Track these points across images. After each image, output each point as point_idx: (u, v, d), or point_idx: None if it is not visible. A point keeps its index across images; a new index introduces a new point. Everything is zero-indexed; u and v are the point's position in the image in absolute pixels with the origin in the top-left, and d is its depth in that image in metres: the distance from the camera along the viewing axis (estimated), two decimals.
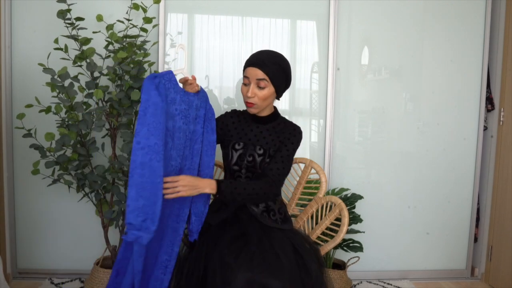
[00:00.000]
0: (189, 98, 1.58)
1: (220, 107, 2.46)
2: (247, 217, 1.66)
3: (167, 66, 2.39)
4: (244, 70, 1.66)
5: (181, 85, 1.59)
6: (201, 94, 1.65)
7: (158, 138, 1.35)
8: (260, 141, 1.71)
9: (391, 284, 2.51)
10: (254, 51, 1.71)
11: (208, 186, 1.53)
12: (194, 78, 1.61)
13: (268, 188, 1.61)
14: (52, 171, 2.05)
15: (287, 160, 1.66)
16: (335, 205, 1.85)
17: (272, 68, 1.62)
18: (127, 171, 2.12)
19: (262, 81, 1.61)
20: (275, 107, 1.78)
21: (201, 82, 2.43)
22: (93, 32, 2.12)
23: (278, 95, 1.70)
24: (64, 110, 1.99)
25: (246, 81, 1.64)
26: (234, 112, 1.81)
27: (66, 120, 1.99)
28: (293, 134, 1.70)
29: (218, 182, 1.55)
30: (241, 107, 2.28)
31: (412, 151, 2.57)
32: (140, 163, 1.32)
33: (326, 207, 1.89)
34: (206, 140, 1.64)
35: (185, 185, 1.47)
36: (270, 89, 1.64)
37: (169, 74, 1.50)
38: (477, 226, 2.64)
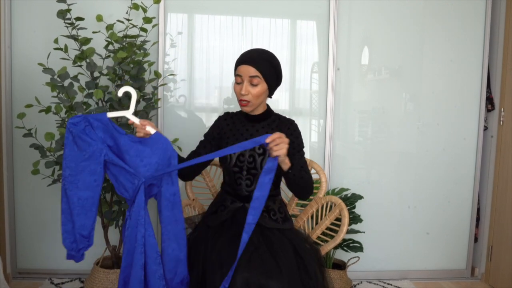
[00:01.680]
0: (126, 141, 1.50)
1: (220, 107, 2.46)
2: (245, 219, 1.65)
3: (166, 66, 2.39)
4: (236, 69, 1.64)
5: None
6: (154, 141, 1.51)
7: (72, 169, 1.47)
8: None
9: (391, 284, 2.50)
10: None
11: (288, 162, 1.48)
12: (142, 124, 1.51)
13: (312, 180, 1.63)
14: (52, 171, 2.05)
15: (303, 154, 1.68)
16: (335, 205, 1.85)
17: (264, 65, 1.61)
18: None
19: (255, 78, 1.60)
20: (267, 105, 1.77)
21: (197, 85, 2.43)
22: (93, 32, 2.12)
23: (270, 93, 1.69)
24: (64, 110, 1.99)
25: (238, 80, 1.63)
26: (228, 114, 1.80)
27: (66, 120, 1.99)
28: (293, 128, 1.70)
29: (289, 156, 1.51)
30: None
31: (412, 151, 2.57)
32: (64, 190, 1.48)
33: (326, 207, 1.89)
34: (165, 193, 1.50)
35: (287, 145, 1.40)
36: (263, 86, 1.63)
37: (102, 115, 1.49)
38: (477, 226, 2.64)
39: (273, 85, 1.68)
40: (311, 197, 1.99)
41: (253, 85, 1.61)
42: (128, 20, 2.11)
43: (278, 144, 1.39)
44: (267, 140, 1.38)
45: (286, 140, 1.41)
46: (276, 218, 1.70)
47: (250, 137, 1.71)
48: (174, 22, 2.40)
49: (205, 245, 1.56)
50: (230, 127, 1.74)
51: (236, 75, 1.64)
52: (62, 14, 1.95)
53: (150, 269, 1.46)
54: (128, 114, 1.52)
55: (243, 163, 1.68)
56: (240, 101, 1.65)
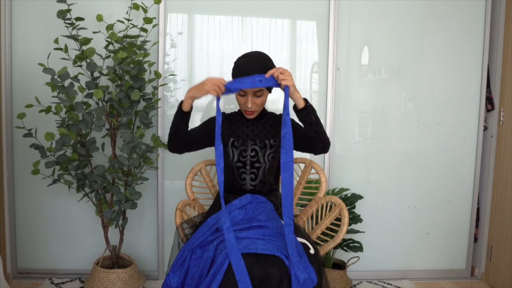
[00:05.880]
0: None
1: (221, 106, 2.46)
2: None
3: (167, 66, 2.39)
4: None
5: None
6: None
7: None
8: (258, 135, 1.76)
9: (391, 284, 2.51)
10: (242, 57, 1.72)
11: (300, 96, 1.60)
12: None
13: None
14: (52, 171, 2.05)
15: None
16: (335, 205, 1.85)
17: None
18: (127, 171, 2.12)
19: (259, 91, 1.66)
20: None
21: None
22: (93, 32, 2.12)
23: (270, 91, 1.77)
24: (64, 110, 1.99)
25: (241, 93, 1.66)
26: (223, 114, 1.83)
27: (66, 120, 1.99)
28: None
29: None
30: None
31: (412, 151, 2.57)
32: None
33: (326, 207, 1.89)
34: None
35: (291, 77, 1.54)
36: (266, 94, 1.71)
37: None
38: (477, 226, 2.64)
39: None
40: (311, 197, 1.99)
41: (257, 96, 1.67)
42: (128, 20, 2.11)
43: (283, 73, 1.51)
44: (270, 73, 1.52)
45: (288, 71, 1.52)
46: (280, 212, 1.73)
47: (252, 133, 1.75)
48: (174, 22, 2.40)
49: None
50: (227, 127, 1.78)
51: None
52: (62, 14, 1.95)
53: None
54: None
55: (246, 158, 1.72)
56: (245, 111, 1.71)
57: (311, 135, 1.64)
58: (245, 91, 1.65)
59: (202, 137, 1.76)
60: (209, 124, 1.77)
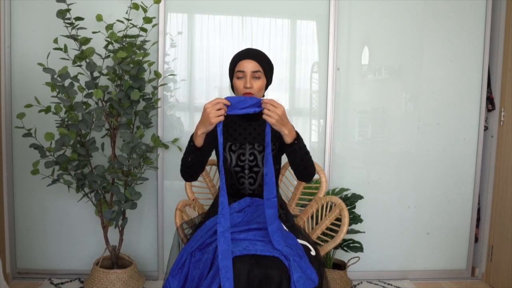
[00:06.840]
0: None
1: None
2: None
3: (166, 66, 2.39)
4: (236, 65, 1.67)
5: None
6: None
7: None
8: (256, 138, 1.72)
9: (391, 284, 2.50)
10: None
11: (291, 130, 1.55)
12: None
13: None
14: (52, 171, 2.05)
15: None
16: (335, 205, 1.85)
17: (263, 60, 1.68)
18: (127, 171, 2.12)
19: (257, 72, 1.65)
20: None
21: (197, 85, 2.43)
22: (93, 32, 2.12)
23: (264, 91, 1.74)
24: (63, 110, 1.99)
25: (240, 75, 1.66)
26: None
27: (66, 120, 1.99)
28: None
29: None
30: None
31: (412, 151, 2.57)
32: None
33: (326, 207, 1.89)
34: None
35: (280, 115, 1.49)
36: (263, 81, 1.68)
37: None
38: (477, 226, 2.64)
39: (269, 82, 1.74)
40: (311, 197, 1.99)
41: (256, 79, 1.66)
42: (128, 20, 2.11)
43: (270, 110, 1.48)
44: (262, 103, 1.50)
45: (280, 109, 1.49)
46: (280, 213, 1.72)
47: (250, 136, 1.72)
48: (174, 22, 2.40)
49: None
50: (226, 128, 1.74)
51: (237, 71, 1.66)
52: (61, 14, 1.95)
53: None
54: None
55: (244, 162, 1.70)
56: (244, 94, 1.66)
57: (293, 166, 1.65)
58: (244, 73, 1.64)
59: (209, 149, 1.75)
60: (209, 134, 1.76)
